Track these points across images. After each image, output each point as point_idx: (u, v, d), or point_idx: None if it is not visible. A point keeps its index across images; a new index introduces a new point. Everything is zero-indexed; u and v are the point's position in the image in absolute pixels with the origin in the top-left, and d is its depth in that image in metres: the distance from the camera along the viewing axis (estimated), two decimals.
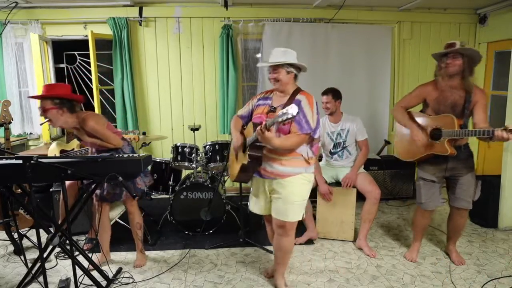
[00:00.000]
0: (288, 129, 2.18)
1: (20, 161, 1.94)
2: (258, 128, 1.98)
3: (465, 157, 2.67)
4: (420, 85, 2.78)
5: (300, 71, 2.31)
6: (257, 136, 2.04)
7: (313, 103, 2.22)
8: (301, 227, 3.10)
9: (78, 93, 2.83)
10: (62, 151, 3.40)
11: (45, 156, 2.90)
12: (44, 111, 2.53)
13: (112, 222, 3.49)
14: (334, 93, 3.20)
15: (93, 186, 2.26)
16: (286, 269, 2.57)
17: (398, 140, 2.93)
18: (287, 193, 2.28)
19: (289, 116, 1.81)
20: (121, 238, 3.33)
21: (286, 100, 2.25)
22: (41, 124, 3.19)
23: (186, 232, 3.43)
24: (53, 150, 3.42)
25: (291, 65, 2.22)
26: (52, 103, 2.51)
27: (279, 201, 2.31)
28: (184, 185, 3.43)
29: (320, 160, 3.49)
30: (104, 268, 2.66)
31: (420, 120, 2.73)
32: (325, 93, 3.22)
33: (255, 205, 2.52)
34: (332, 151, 3.31)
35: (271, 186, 2.34)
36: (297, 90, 2.28)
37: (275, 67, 2.22)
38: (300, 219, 2.35)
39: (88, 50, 4.23)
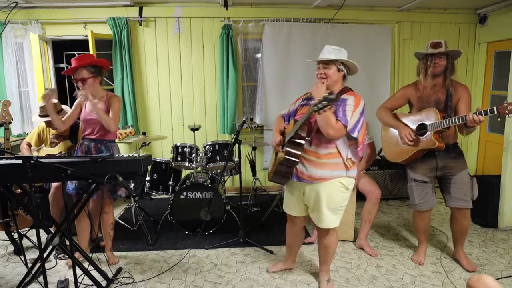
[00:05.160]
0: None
1: (20, 161, 1.94)
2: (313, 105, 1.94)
3: (454, 156, 2.66)
4: (403, 86, 2.84)
5: (349, 73, 2.28)
6: (303, 123, 2.10)
7: (359, 104, 2.15)
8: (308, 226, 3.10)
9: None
10: (48, 156, 3.35)
11: (44, 157, 2.91)
12: (83, 82, 2.62)
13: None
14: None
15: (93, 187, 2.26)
16: (329, 266, 2.57)
17: (385, 143, 2.92)
18: (321, 199, 2.25)
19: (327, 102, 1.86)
20: (121, 238, 3.34)
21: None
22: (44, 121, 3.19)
23: (186, 232, 3.43)
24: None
25: (342, 63, 2.21)
26: (89, 72, 2.60)
27: (315, 207, 2.30)
28: (184, 185, 3.43)
29: None
30: (104, 268, 2.66)
31: (406, 120, 2.75)
32: None
33: (288, 205, 2.52)
34: None
35: (306, 190, 2.30)
36: (345, 90, 2.23)
37: (327, 63, 2.19)
38: (336, 225, 2.33)
39: (88, 50, 4.23)
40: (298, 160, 2.23)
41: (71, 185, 2.71)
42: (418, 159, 2.70)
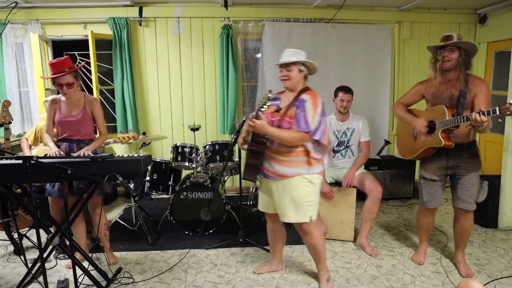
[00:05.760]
0: (288, 125, 2.25)
1: (20, 161, 1.94)
2: (248, 119, 2.15)
3: (468, 156, 2.57)
4: (418, 82, 2.78)
5: (310, 73, 2.39)
6: (250, 128, 2.22)
7: (318, 104, 2.26)
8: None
9: None
10: (46, 156, 3.35)
11: (44, 157, 2.90)
12: (68, 87, 2.59)
13: (111, 223, 3.50)
14: (352, 92, 3.20)
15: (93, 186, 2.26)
16: (324, 264, 2.57)
17: (400, 138, 2.95)
18: (286, 194, 2.33)
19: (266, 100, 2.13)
20: (121, 238, 3.34)
21: (292, 98, 2.31)
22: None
23: (186, 232, 3.43)
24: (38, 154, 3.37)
25: (303, 64, 2.31)
26: (72, 76, 2.60)
27: (280, 202, 2.37)
28: (184, 185, 3.43)
29: None
30: (104, 268, 2.66)
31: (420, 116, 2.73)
32: (347, 91, 3.17)
33: (261, 203, 2.60)
34: (335, 149, 3.31)
35: (273, 186, 2.39)
36: (304, 89, 2.34)
37: (288, 66, 2.31)
38: (306, 221, 2.35)
39: (88, 50, 4.23)
40: (259, 157, 2.32)
41: (50, 187, 2.68)
42: (429, 157, 2.68)
